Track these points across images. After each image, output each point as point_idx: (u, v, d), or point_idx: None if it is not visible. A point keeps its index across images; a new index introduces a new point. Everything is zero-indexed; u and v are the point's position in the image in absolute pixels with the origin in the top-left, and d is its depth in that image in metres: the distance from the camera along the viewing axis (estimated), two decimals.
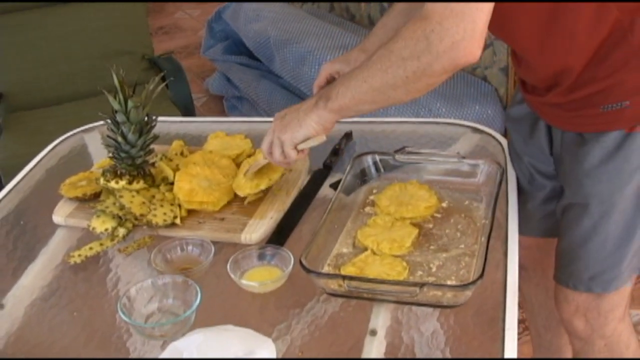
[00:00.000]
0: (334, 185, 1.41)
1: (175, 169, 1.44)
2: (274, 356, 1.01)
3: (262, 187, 1.36)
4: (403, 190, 1.35)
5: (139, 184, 1.38)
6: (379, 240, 1.23)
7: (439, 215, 1.32)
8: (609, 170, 1.23)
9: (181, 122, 1.95)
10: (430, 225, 1.29)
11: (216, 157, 1.47)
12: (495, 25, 1.08)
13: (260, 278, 1.19)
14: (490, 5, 1.04)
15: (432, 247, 1.24)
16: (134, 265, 1.28)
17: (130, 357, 1.10)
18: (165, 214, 1.32)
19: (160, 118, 1.43)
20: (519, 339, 1.06)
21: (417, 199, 1.32)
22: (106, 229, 1.30)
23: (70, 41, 2.83)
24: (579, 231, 1.30)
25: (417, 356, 1.06)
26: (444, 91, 2.49)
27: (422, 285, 1.08)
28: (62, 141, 1.74)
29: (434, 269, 1.19)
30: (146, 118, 1.37)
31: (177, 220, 1.33)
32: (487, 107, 2.46)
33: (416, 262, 1.20)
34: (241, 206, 1.37)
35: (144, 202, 1.34)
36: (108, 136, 1.37)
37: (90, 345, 1.13)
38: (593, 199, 1.26)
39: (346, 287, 1.11)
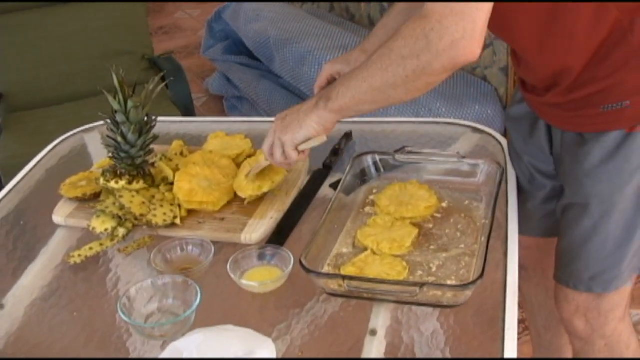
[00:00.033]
0: (334, 185, 1.41)
1: (175, 169, 1.44)
2: (274, 356, 1.01)
3: (265, 189, 1.35)
4: (403, 190, 1.35)
5: (138, 184, 1.38)
6: (379, 240, 1.23)
7: (439, 215, 1.31)
8: (609, 170, 1.22)
9: (181, 122, 1.95)
10: (430, 225, 1.29)
11: (216, 157, 1.47)
12: (495, 25, 1.08)
13: (260, 278, 1.19)
14: (490, 4, 1.04)
15: (432, 247, 1.24)
16: (134, 265, 1.28)
17: (130, 357, 1.10)
18: (165, 214, 1.32)
19: (160, 118, 1.43)
20: (519, 339, 1.06)
21: (417, 199, 1.32)
22: (106, 229, 1.30)
23: (70, 41, 2.83)
24: (579, 231, 1.30)
25: (417, 356, 1.06)
26: (444, 91, 2.49)
27: (422, 285, 1.08)
28: (62, 141, 1.74)
29: (434, 269, 1.19)
30: (146, 118, 1.37)
31: (177, 220, 1.33)
32: (487, 107, 2.46)
33: (416, 262, 1.20)
34: (241, 206, 1.37)
35: (143, 202, 1.34)
36: (108, 136, 1.37)
37: (90, 345, 1.13)
38: (593, 198, 1.26)
39: (346, 287, 1.11)
